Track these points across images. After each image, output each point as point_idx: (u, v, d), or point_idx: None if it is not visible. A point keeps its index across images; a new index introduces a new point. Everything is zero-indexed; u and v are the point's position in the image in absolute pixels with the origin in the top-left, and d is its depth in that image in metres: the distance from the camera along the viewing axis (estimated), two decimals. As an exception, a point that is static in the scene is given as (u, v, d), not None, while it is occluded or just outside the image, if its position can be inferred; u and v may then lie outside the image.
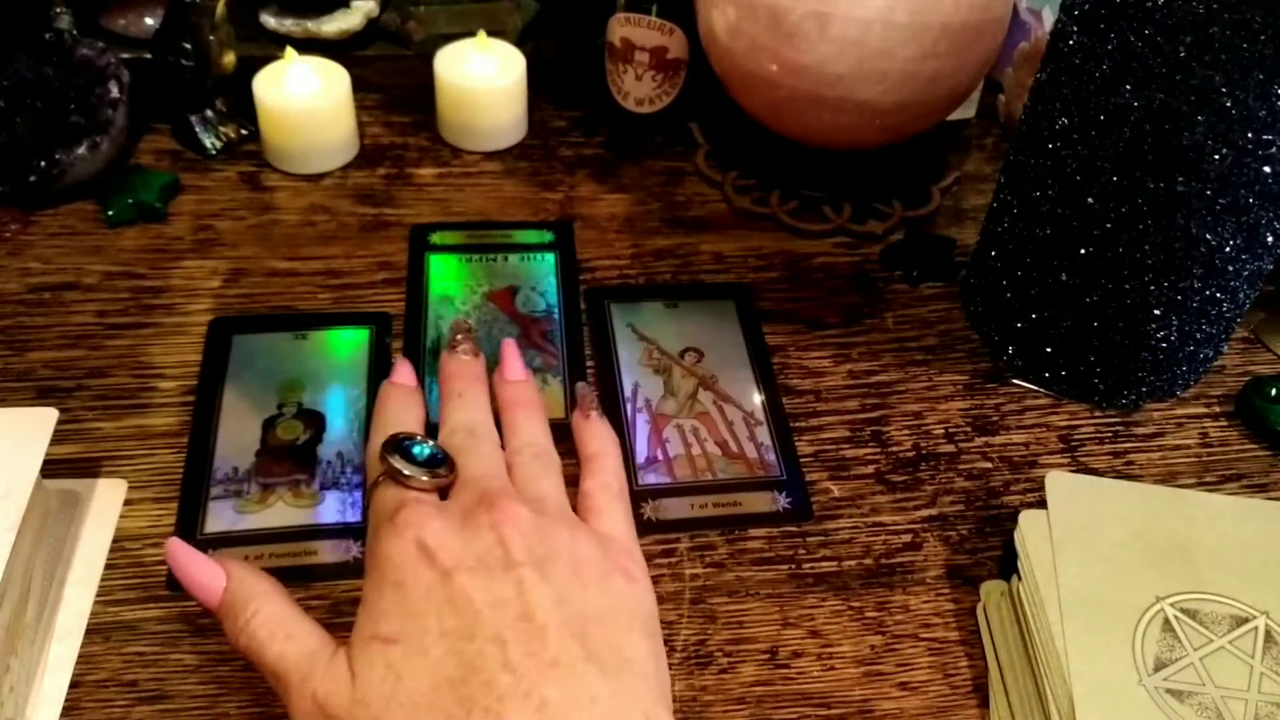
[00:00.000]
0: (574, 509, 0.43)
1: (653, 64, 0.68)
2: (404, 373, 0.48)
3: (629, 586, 0.39)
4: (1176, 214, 0.48)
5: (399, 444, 0.41)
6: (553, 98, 0.73)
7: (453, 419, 0.45)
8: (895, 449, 0.54)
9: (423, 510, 0.38)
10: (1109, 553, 0.46)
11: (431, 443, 0.42)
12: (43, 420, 0.45)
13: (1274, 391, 0.57)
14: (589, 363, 0.57)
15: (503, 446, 0.44)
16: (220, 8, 0.66)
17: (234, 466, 0.50)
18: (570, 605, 0.36)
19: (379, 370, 0.55)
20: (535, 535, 0.38)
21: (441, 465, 0.41)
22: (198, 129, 0.66)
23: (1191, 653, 0.43)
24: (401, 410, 0.46)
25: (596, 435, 0.46)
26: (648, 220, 0.66)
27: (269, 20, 0.74)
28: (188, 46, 0.65)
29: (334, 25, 0.74)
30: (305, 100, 0.64)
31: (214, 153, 0.67)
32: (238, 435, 0.51)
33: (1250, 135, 0.45)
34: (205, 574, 0.39)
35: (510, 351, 0.49)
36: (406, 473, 0.40)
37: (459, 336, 0.49)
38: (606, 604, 0.37)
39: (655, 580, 0.48)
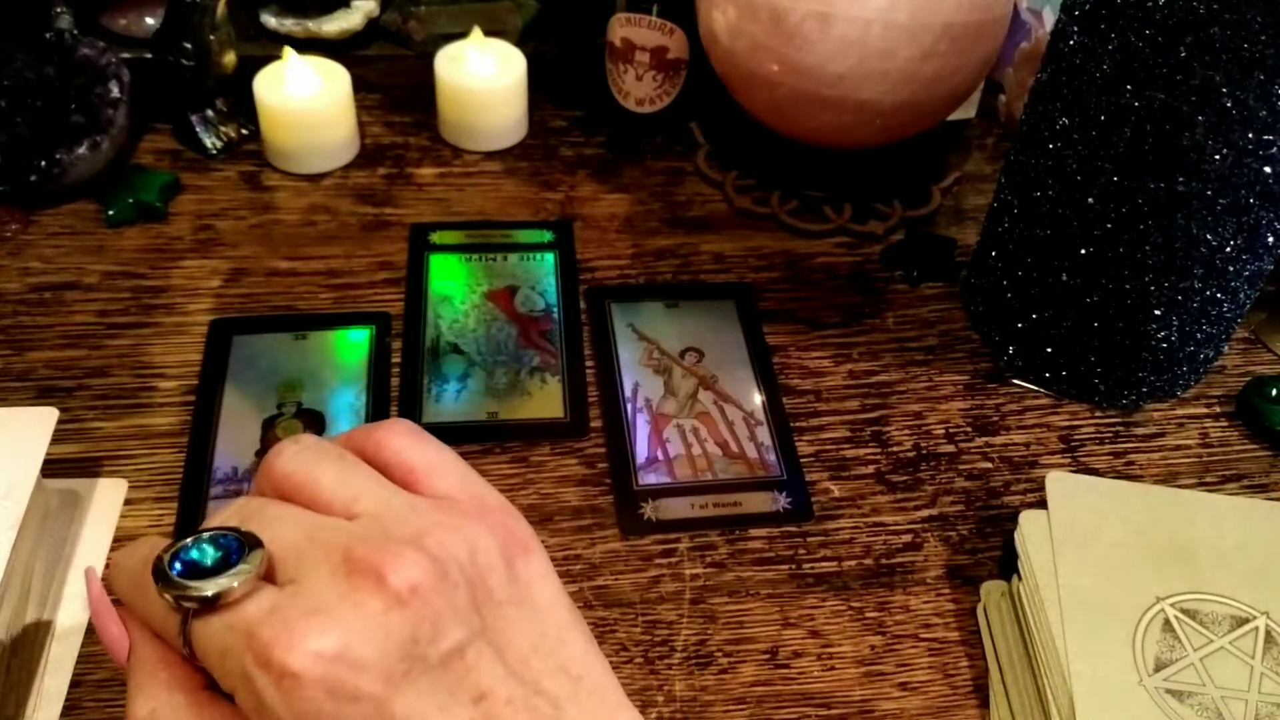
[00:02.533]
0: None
1: (653, 64, 0.68)
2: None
3: (529, 568, 0.30)
4: (1177, 214, 0.48)
5: (169, 565, 0.28)
6: (553, 98, 0.73)
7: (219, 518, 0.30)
8: (895, 449, 0.54)
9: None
10: (1109, 553, 0.46)
11: (203, 537, 0.28)
12: (43, 420, 0.45)
13: (1274, 392, 0.57)
14: (589, 363, 0.57)
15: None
16: (221, 7, 0.66)
17: (234, 466, 0.50)
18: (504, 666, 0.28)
19: (379, 370, 0.55)
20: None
21: (235, 556, 0.27)
22: (198, 129, 0.66)
23: (1192, 653, 0.43)
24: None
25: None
26: (648, 220, 0.66)
27: (269, 20, 0.74)
28: (188, 46, 0.65)
29: (334, 25, 0.74)
30: (306, 100, 0.64)
31: (214, 152, 0.67)
32: (238, 435, 0.51)
33: (1251, 135, 0.45)
34: (111, 631, 0.30)
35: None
36: (214, 586, 0.27)
37: None
38: (523, 624, 0.29)
39: (656, 580, 0.48)
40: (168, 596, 0.27)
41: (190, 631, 0.27)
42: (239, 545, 0.27)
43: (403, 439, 0.32)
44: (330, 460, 0.31)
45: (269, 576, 0.28)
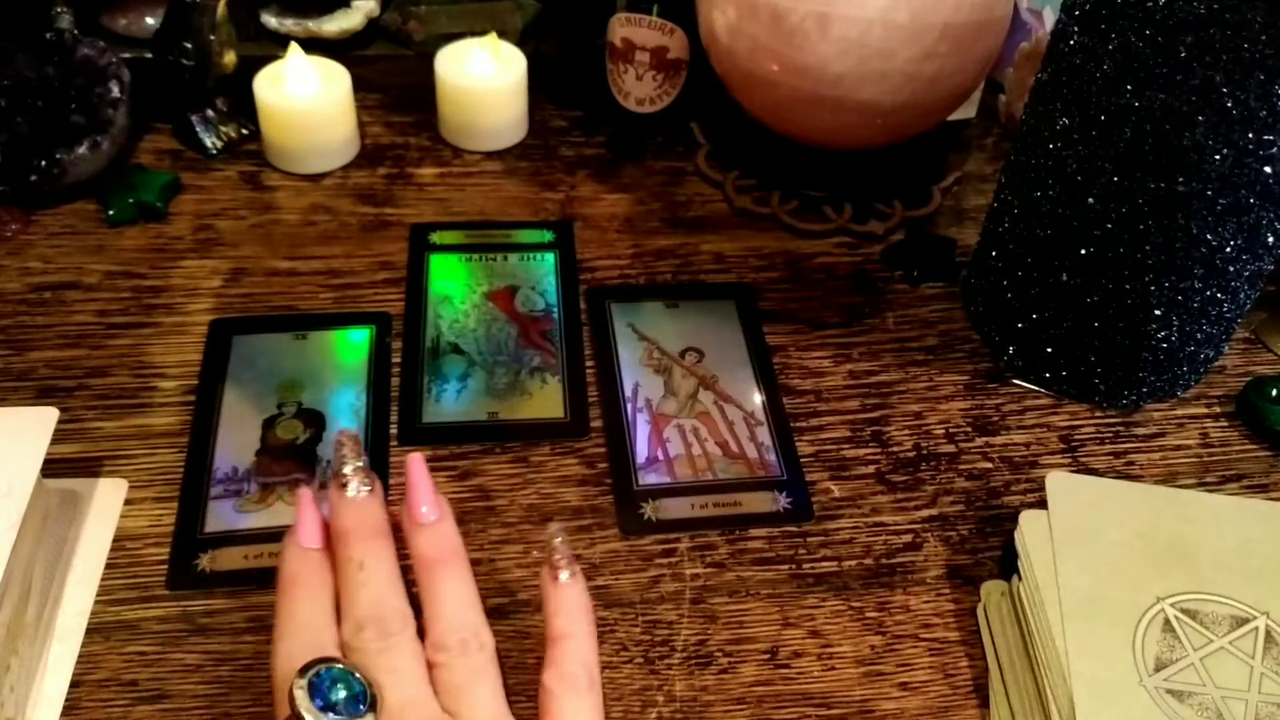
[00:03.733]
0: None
1: (653, 64, 0.68)
2: (310, 527, 0.39)
3: None
4: (1177, 214, 0.48)
5: (314, 681, 0.34)
6: (553, 98, 0.73)
7: (356, 607, 0.37)
8: (896, 449, 0.54)
9: None
10: (1109, 553, 0.46)
11: (350, 673, 0.35)
12: (43, 420, 0.45)
13: (1274, 392, 0.57)
14: (589, 363, 0.57)
15: (419, 619, 0.38)
16: (221, 7, 0.66)
17: (234, 466, 0.50)
18: None
19: (379, 370, 0.55)
20: None
21: (360, 707, 0.34)
22: (198, 128, 0.66)
23: (1192, 653, 0.43)
24: (313, 605, 0.37)
25: (565, 610, 0.38)
26: (648, 220, 0.66)
27: (270, 20, 0.74)
28: (188, 46, 0.65)
29: (335, 25, 0.74)
30: (306, 100, 0.64)
31: (215, 152, 0.67)
32: (238, 435, 0.51)
33: (1251, 135, 0.45)
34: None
35: (417, 477, 0.39)
36: None
37: (347, 467, 0.39)
38: None
39: (656, 580, 0.48)
40: (298, 704, 0.33)
41: None
42: (364, 700, 0.34)
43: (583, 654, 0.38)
44: (487, 679, 0.36)
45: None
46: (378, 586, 0.37)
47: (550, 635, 0.38)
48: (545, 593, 0.39)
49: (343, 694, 0.34)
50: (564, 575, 0.39)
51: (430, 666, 0.36)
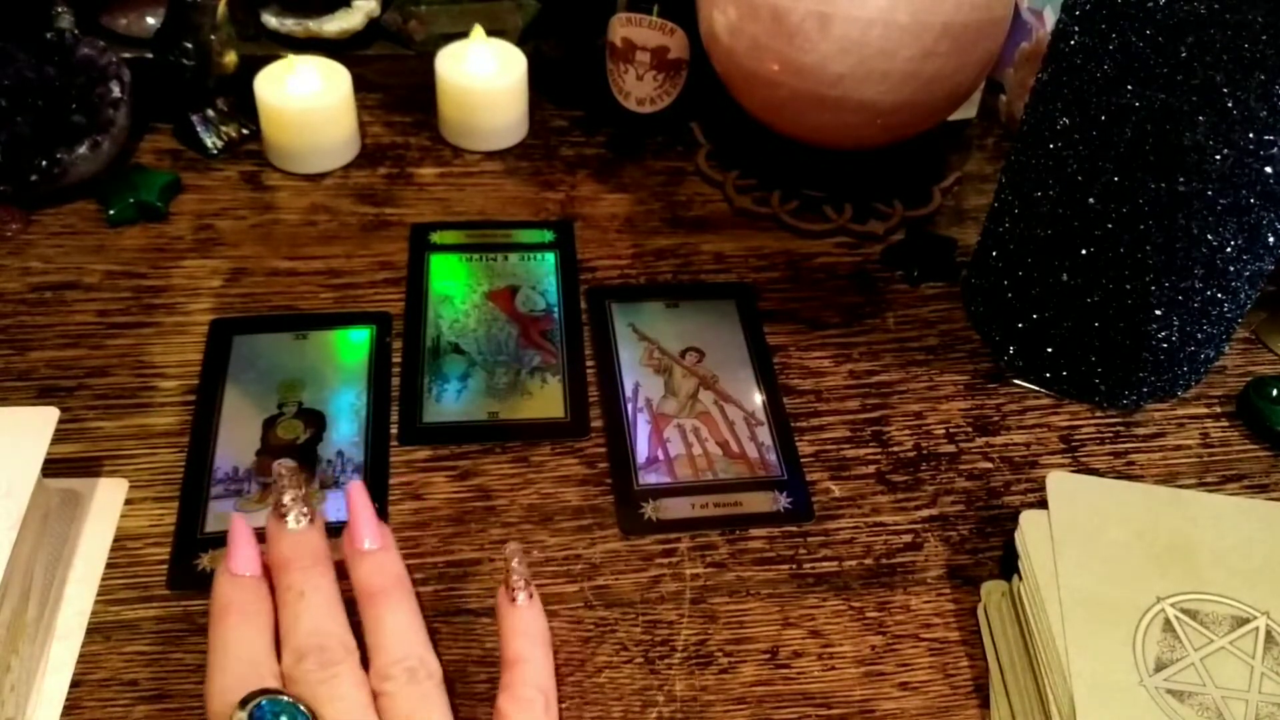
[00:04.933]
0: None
1: (654, 64, 0.68)
2: (243, 555, 0.38)
3: None
4: (1178, 214, 0.48)
5: (254, 714, 0.33)
6: (554, 97, 0.73)
7: (297, 635, 0.36)
8: (896, 449, 0.54)
9: None
10: (1110, 553, 0.46)
11: (293, 706, 0.34)
12: (44, 419, 0.45)
13: (1275, 392, 0.57)
14: (589, 363, 0.57)
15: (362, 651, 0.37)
16: (222, 7, 0.66)
17: (234, 466, 0.50)
18: None
19: (380, 370, 0.55)
20: None
21: None
22: (199, 128, 0.66)
23: (1192, 653, 0.43)
24: (248, 633, 0.36)
25: (521, 631, 0.38)
26: (648, 220, 0.66)
27: (270, 20, 0.74)
28: (189, 46, 0.65)
29: (335, 25, 0.74)
30: (306, 100, 0.64)
31: (215, 152, 0.67)
32: (238, 435, 0.51)
33: (1251, 135, 0.45)
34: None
35: (358, 505, 0.39)
36: None
37: (286, 497, 0.38)
38: None
39: (656, 580, 0.48)
40: None
41: None
42: None
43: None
44: (432, 705, 0.36)
45: None
46: (318, 615, 0.36)
47: (505, 659, 0.38)
48: (501, 615, 0.39)
49: None
50: (520, 597, 0.39)
51: (375, 696, 0.36)
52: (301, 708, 0.33)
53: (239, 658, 0.35)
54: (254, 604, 0.37)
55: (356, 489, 0.39)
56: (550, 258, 0.62)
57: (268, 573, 0.38)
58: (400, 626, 0.37)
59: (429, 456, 0.52)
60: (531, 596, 0.39)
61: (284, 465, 0.40)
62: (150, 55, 0.66)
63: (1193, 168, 0.46)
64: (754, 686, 0.45)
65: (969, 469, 0.54)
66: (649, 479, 0.51)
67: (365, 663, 0.37)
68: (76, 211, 0.62)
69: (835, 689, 0.45)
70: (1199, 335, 0.54)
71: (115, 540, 0.47)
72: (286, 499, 0.38)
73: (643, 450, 0.53)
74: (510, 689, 0.37)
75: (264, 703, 0.33)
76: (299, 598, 0.37)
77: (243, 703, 0.33)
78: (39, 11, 0.64)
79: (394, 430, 0.53)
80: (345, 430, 0.52)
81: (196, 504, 0.49)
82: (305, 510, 0.38)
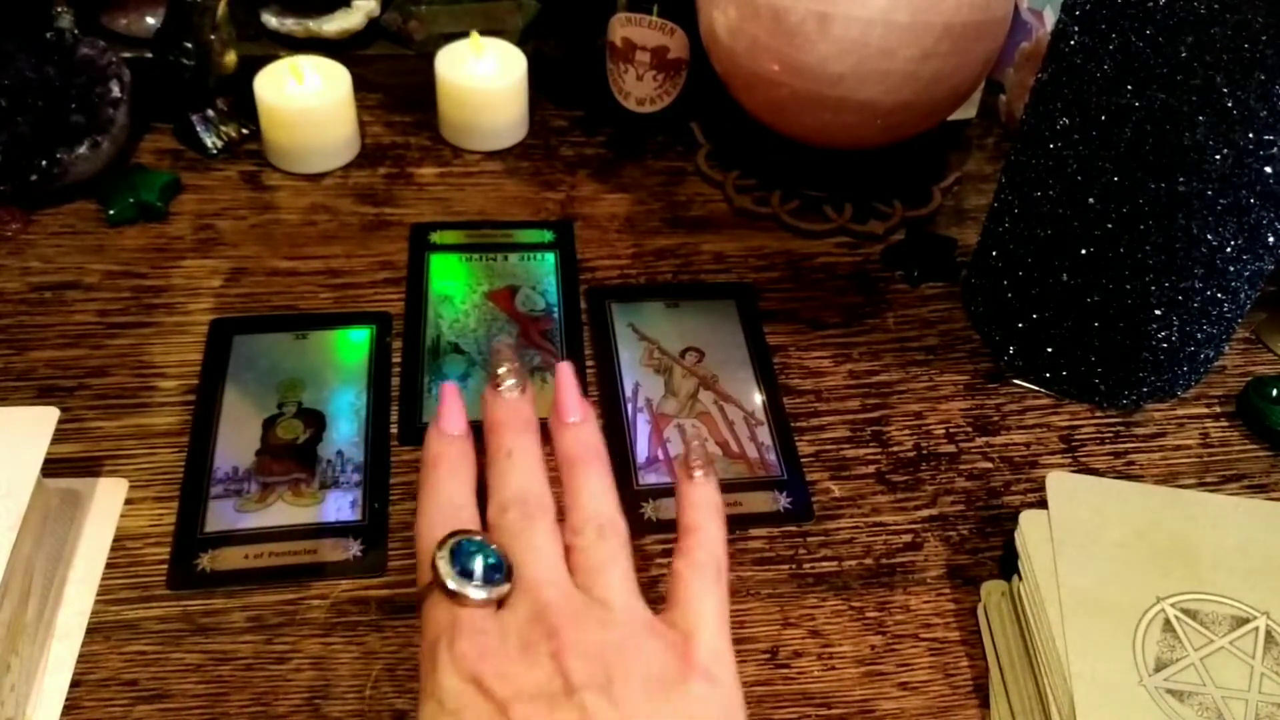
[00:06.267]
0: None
1: (654, 64, 0.68)
2: (454, 417, 0.42)
3: (711, 690, 0.35)
4: (1178, 214, 0.48)
5: (455, 550, 0.36)
6: (554, 97, 0.73)
7: (503, 490, 0.39)
8: (896, 449, 0.54)
9: (479, 640, 0.35)
10: (1109, 553, 0.46)
11: (489, 546, 0.37)
12: (44, 419, 0.45)
13: (1275, 392, 0.57)
14: (589, 362, 0.57)
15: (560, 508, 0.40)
16: (221, 7, 0.66)
17: (234, 466, 0.50)
18: None
19: (380, 370, 0.55)
20: (599, 657, 0.35)
21: (498, 576, 0.36)
22: (199, 128, 0.66)
23: (1192, 653, 0.43)
24: (454, 484, 0.40)
25: (698, 503, 0.40)
26: (649, 220, 0.66)
27: (270, 20, 0.74)
28: (189, 46, 0.65)
29: (335, 25, 0.74)
30: (306, 100, 0.64)
31: (215, 152, 0.67)
32: (238, 435, 0.51)
33: (1251, 135, 0.45)
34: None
35: (565, 382, 0.42)
36: (463, 592, 0.35)
37: (502, 369, 0.42)
38: (685, 717, 0.35)
39: (656, 580, 0.48)
40: (440, 569, 0.35)
41: (428, 593, 0.36)
42: (501, 569, 0.36)
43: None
44: (619, 563, 0.38)
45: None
46: (524, 473, 0.40)
47: (682, 526, 0.40)
48: (680, 488, 0.41)
49: (481, 563, 0.36)
50: (698, 473, 0.41)
51: (567, 550, 0.38)
52: (494, 548, 0.37)
53: (445, 502, 0.39)
54: (460, 458, 0.41)
55: (565, 368, 0.42)
56: (550, 258, 0.62)
57: (469, 436, 0.42)
58: (595, 490, 0.40)
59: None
60: (709, 474, 0.41)
61: (502, 343, 0.46)
62: (150, 55, 0.66)
63: (1193, 168, 0.46)
64: (754, 686, 0.45)
65: (969, 469, 0.54)
66: (649, 479, 0.51)
67: (561, 524, 0.40)
68: (76, 211, 0.62)
69: (835, 689, 0.45)
70: (1199, 335, 0.54)
71: (115, 540, 0.47)
72: (502, 371, 0.42)
73: (642, 450, 0.53)
74: (686, 554, 0.39)
75: (464, 541, 0.36)
76: (507, 456, 0.40)
77: (443, 541, 0.36)
78: (39, 11, 0.64)
79: (394, 430, 0.53)
80: (345, 430, 0.52)
81: (196, 504, 0.49)
82: (518, 382, 0.42)
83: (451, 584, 0.35)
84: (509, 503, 0.39)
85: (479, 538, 0.37)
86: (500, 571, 0.36)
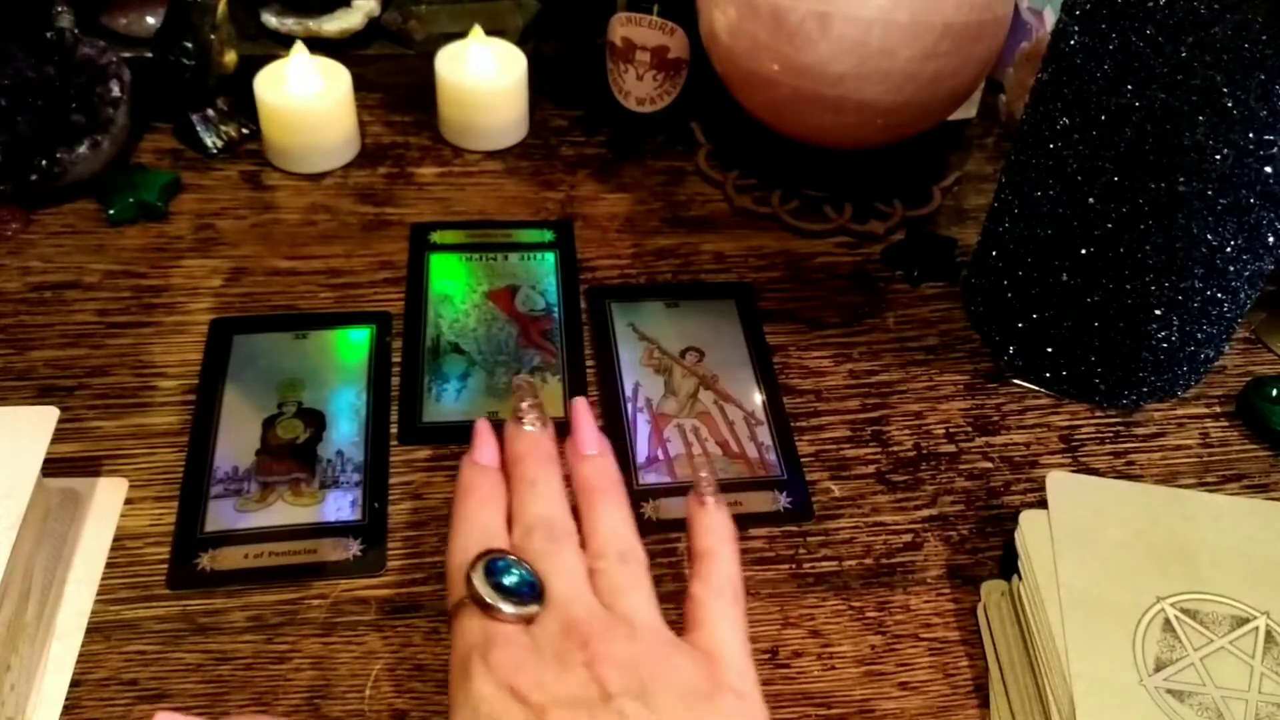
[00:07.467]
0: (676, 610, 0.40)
1: (654, 63, 0.68)
2: (486, 450, 0.43)
3: (742, 705, 0.36)
4: (1178, 214, 0.48)
5: (488, 567, 0.38)
6: (554, 97, 0.73)
7: (528, 514, 0.41)
8: (896, 449, 0.54)
9: (513, 652, 0.36)
10: (1109, 553, 0.46)
11: (520, 565, 0.38)
12: (44, 419, 0.45)
13: (1275, 392, 0.57)
14: (589, 362, 0.57)
15: (580, 535, 0.41)
16: (222, 7, 0.66)
17: (234, 465, 0.50)
18: None
19: (379, 370, 0.55)
20: (632, 667, 0.36)
21: (530, 593, 0.38)
22: (199, 128, 0.66)
23: (1192, 653, 0.43)
24: (486, 510, 0.41)
25: (711, 529, 0.42)
26: (649, 220, 0.66)
27: (270, 19, 0.74)
28: (189, 45, 0.65)
29: (335, 24, 0.74)
30: (306, 99, 0.64)
31: (215, 152, 0.67)
32: (238, 434, 0.51)
33: (1251, 135, 0.45)
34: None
35: (582, 417, 0.44)
36: (496, 605, 0.37)
37: (524, 404, 0.44)
38: None
39: (656, 581, 0.48)
40: (475, 584, 0.37)
41: (460, 609, 0.37)
42: (533, 587, 0.37)
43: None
44: (640, 586, 0.39)
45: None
46: (546, 499, 0.41)
47: (696, 551, 0.41)
48: (691, 515, 0.42)
49: (514, 579, 0.37)
50: (710, 500, 0.43)
51: (590, 573, 0.39)
52: (526, 567, 0.38)
53: (477, 527, 0.40)
54: (491, 489, 0.42)
55: (580, 403, 0.44)
56: (550, 257, 0.62)
57: (502, 468, 0.44)
58: (614, 519, 0.41)
59: (429, 456, 0.52)
60: (720, 502, 0.43)
61: (523, 379, 0.47)
62: (150, 55, 0.66)
63: (1193, 168, 0.46)
64: (754, 686, 0.45)
65: (969, 469, 0.54)
66: (649, 479, 0.51)
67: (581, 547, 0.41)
68: (76, 211, 0.62)
69: (835, 689, 0.45)
70: (1199, 335, 0.54)
71: (115, 540, 0.47)
72: (524, 405, 0.44)
73: (642, 450, 0.53)
74: (704, 578, 0.40)
75: (496, 560, 0.38)
76: (530, 485, 0.41)
77: (477, 559, 0.38)
78: (39, 11, 0.64)
79: (394, 430, 0.53)
80: (345, 430, 0.52)
81: (196, 504, 0.49)
82: (539, 417, 0.44)
83: (487, 598, 0.36)
84: (534, 526, 0.40)
85: (510, 556, 0.38)
86: (532, 588, 0.37)
